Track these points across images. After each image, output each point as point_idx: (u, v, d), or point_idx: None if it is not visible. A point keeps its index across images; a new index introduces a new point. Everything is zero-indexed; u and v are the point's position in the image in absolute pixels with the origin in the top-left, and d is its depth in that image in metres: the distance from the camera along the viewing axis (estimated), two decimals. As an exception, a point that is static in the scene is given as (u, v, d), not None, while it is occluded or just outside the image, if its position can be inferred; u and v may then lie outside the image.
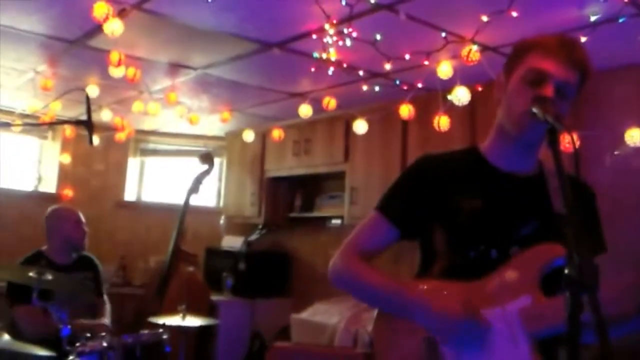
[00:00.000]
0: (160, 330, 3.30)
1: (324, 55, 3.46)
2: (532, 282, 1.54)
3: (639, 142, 3.38)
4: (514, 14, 2.77)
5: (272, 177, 5.86)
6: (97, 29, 3.34)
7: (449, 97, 3.53)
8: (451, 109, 3.66)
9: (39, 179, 6.44)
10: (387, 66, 3.40)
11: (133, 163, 6.85)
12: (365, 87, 4.08)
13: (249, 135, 5.52)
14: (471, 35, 3.11)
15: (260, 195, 5.90)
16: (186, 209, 4.89)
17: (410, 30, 3.23)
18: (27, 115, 5.46)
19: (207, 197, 6.79)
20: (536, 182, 1.69)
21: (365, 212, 1.89)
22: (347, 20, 3.02)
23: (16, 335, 3.47)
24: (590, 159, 3.64)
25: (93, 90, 4.39)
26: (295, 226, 5.98)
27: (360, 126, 4.24)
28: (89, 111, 3.00)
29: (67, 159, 6.26)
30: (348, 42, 3.24)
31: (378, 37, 3.25)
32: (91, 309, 4.05)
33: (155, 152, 7.00)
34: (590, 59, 1.59)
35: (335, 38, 3.21)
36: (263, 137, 5.83)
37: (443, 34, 3.22)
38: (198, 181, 4.95)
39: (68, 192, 6.25)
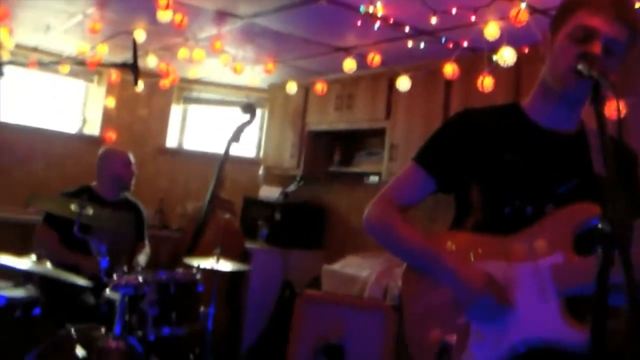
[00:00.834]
0: (194, 270, 3.38)
1: (371, 9, 3.43)
2: (566, 240, 1.54)
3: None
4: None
5: (313, 131, 5.86)
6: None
7: (495, 57, 3.48)
8: (496, 70, 3.61)
9: (84, 122, 6.54)
10: (433, 20, 3.36)
11: (176, 110, 6.91)
12: (410, 44, 4.04)
13: (292, 88, 5.51)
14: (521, -6, 3.05)
15: (300, 147, 5.92)
16: (226, 158, 4.92)
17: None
18: (74, 58, 5.54)
19: (248, 147, 6.84)
20: (577, 141, 1.67)
21: (404, 170, 1.88)
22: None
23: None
24: (636, 128, 3.56)
25: (140, 35, 4.44)
26: (333, 180, 6.00)
27: (403, 83, 4.21)
28: (135, 55, 3.06)
29: (111, 102, 6.35)
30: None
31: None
32: (130, 247, 4.18)
33: (198, 101, 7.05)
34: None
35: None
36: (306, 90, 5.82)
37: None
38: (239, 131, 4.97)
39: (111, 136, 6.34)
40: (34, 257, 3.24)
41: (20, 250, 3.29)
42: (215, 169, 4.92)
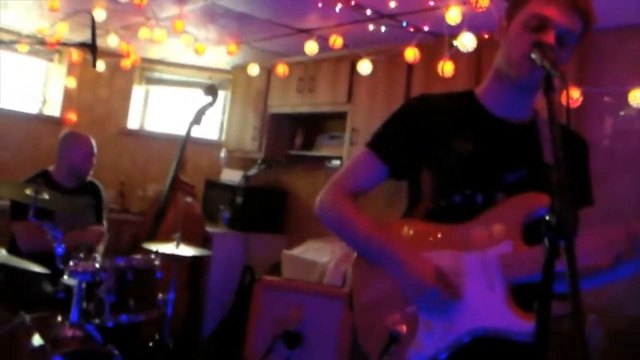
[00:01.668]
0: (153, 256, 3.34)
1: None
2: (515, 229, 1.55)
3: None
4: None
5: (274, 113, 5.83)
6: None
7: (455, 42, 3.49)
8: (457, 55, 3.61)
9: (44, 102, 6.42)
10: (392, 3, 3.34)
11: (138, 91, 6.82)
12: (371, 27, 4.03)
13: (254, 69, 5.46)
14: (481, -21, 3.05)
15: (261, 130, 5.88)
16: (187, 140, 4.90)
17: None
18: (33, 37, 5.41)
19: (210, 130, 6.77)
20: (529, 130, 1.68)
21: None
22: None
23: (13, 251, 3.54)
24: (592, 116, 3.61)
25: (100, 14, 4.35)
26: (295, 164, 5.99)
27: (364, 67, 4.19)
28: (93, 34, 2.99)
29: (72, 83, 6.23)
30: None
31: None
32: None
33: (160, 82, 6.95)
34: (594, 8, 1.56)
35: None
36: (268, 72, 5.77)
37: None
38: (201, 113, 4.94)
39: (72, 117, 6.24)
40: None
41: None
42: (177, 151, 4.89)
